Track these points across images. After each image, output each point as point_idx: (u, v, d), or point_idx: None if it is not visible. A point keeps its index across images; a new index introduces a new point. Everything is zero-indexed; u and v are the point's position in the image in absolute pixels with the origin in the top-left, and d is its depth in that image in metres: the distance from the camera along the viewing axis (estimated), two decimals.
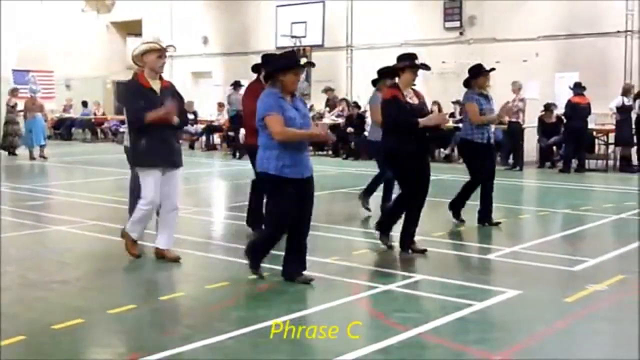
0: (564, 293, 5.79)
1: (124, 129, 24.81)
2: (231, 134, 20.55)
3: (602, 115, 16.62)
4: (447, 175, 13.67)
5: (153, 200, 6.72)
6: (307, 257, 6.15)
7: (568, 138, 15.88)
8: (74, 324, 4.97)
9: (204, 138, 22.64)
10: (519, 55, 18.28)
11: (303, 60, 6.17)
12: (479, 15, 19.70)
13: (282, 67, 5.90)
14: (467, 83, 8.84)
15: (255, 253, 6.20)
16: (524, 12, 18.80)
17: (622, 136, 15.97)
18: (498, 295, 5.69)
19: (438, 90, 18.65)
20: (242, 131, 20.29)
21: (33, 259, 7.18)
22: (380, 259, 7.16)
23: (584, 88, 15.72)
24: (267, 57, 7.73)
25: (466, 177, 8.97)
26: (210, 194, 13.49)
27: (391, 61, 7.52)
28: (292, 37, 22.01)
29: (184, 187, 11.30)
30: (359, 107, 19.19)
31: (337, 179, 14.35)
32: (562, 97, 16.76)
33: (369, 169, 12.01)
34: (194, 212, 9.89)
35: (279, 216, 5.98)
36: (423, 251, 7.21)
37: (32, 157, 18.55)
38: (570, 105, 15.73)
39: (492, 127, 9.16)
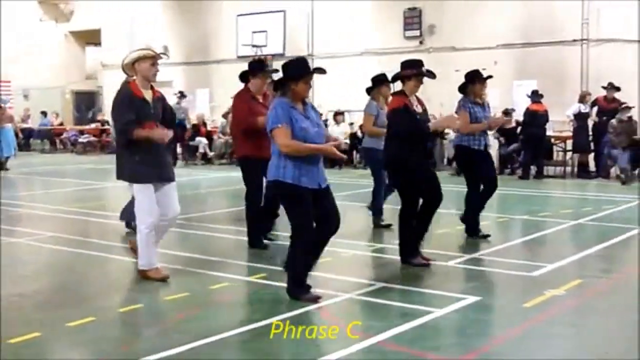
0: (522, 298, 5.86)
1: (83, 139, 24.83)
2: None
3: (559, 123, 16.91)
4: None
5: (151, 222, 6.37)
6: None
7: (526, 145, 16.10)
8: (32, 337, 4.89)
9: None
10: (478, 64, 18.21)
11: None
12: (438, 25, 19.93)
13: (294, 75, 5.68)
14: (463, 88, 8.61)
15: (299, 277, 5.83)
16: (483, 21, 19.07)
17: (579, 143, 16.25)
18: (458, 302, 5.73)
19: None
20: (199, 140, 20.44)
21: None
22: (341, 266, 7.15)
23: (541, 96, 15.98)
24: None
25: (455, 185, 8.74)
26: None
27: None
28: (253, 46, 21.99)
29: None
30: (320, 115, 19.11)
31: None
32: (520, 105, 17.03)
33: (331, 176, 11.95)
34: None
35: (303, 228, 5.69)
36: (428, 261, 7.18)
37: (2, 168, 18.23)
38: (528, 112, 15.97)
39: (490, 133, 8.70)
